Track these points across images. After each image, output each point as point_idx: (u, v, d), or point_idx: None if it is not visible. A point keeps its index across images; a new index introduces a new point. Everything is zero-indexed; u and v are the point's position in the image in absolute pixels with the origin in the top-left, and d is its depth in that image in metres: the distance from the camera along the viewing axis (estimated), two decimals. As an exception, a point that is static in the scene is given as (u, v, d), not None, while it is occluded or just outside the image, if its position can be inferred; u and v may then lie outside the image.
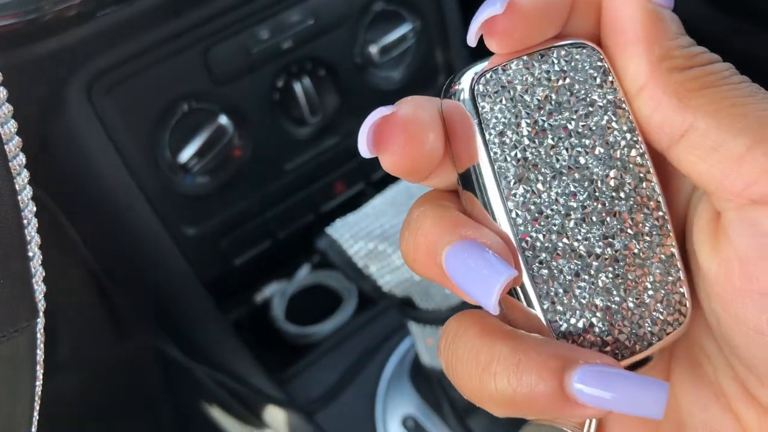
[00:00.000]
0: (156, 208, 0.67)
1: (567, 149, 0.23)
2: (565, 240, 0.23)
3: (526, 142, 0.23)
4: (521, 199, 0.23)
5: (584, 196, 0.23)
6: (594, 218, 0.23)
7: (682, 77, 0.22)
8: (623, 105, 0.23)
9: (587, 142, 0.23)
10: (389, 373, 0.70)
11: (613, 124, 0.23)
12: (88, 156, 0.64)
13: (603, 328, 0.23)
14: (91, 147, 0.63)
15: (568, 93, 0.23)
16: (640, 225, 0.23)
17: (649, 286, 0.23)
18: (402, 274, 0.53)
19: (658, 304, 0.23)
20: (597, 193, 0.23)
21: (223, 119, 0.69)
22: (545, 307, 0.23)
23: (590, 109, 0.23)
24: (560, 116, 0.23)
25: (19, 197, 0.28)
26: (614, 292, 0.23)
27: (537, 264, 0.23)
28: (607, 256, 0.23)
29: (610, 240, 0.23)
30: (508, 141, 0.23)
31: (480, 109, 0.23)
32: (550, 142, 0.23)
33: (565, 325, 0.23)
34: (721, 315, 0.22)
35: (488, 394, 0.21)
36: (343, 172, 0.78)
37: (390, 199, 0.57)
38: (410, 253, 0.23)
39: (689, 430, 0.25)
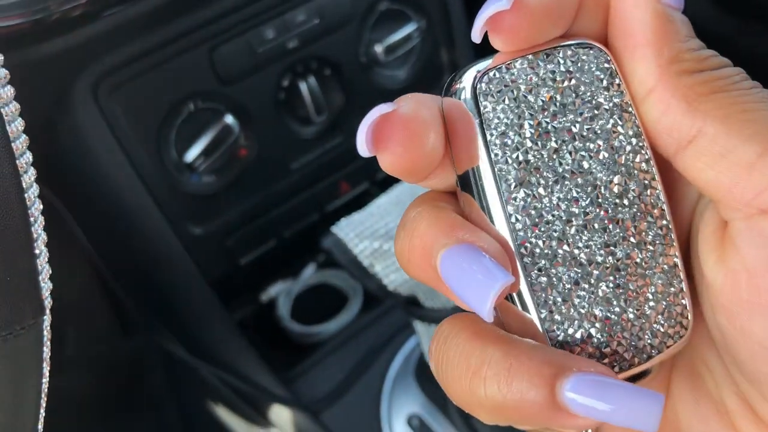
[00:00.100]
0: (162, 207, 0.67)
1: (570, 153, 0.22)
2: (565, 247, 0.22)
3: (529, 144, 0.22)
4: (521, 203, 0.22)
5: (587, 202, 0.22)
6: (596, 225, 0.22)
7: (691, 81, 0.21)
8: (630, 109, 0.22)
9: (591, 146, 0.22)
10: (394, 372, 0.70)
11: (619, 128, 0.22)
12: (94, 155, 0.64)
13: (601, 339, 0.22)
14: (97, 146, 0.63)
15: (574, 95, 0.22)
16: (643, 233, 0.22)
17: (651, 297, 0.22)
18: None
19: (659, 316, 0.22)
20: (600, 200, 0.22)
21: (229, 119, 0.69)
22: (543, 315, 0.22)
23: (596, 111, 0.22)
24: (564, 118, 0.22)
25: (25, 195, 0.28)
26: (614, 303, 0.22)
27: (536, 271, 0.22)
28: (608, 265, 0.22)
29: (611, 248, 0.22)
30: (509, 142, 0.22)
31: (482, 108, 0.22)
32: (554, 145, 0.22)
33: (562, 334, 0.22)
34: (726, 328, 0.21)
35: (477, 400, 0.21)
36: (348, 172, 0.78)
37: (395, 198, 0.57)
38: (405, 254, 0.23)
39: None
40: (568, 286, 0.22)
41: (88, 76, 0.61)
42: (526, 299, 0.22)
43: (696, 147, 0.21)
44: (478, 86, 0.22)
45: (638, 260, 0.22)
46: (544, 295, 0.22)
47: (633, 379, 0.23)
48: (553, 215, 0.22)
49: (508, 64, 0.22)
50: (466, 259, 0.21)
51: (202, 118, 0.68)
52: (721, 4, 0.81)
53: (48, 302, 0.30)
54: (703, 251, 0.22)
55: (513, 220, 0.22)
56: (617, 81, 0.23)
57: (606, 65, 0.23)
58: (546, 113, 0.22)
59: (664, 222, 0.23)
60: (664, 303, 0.23)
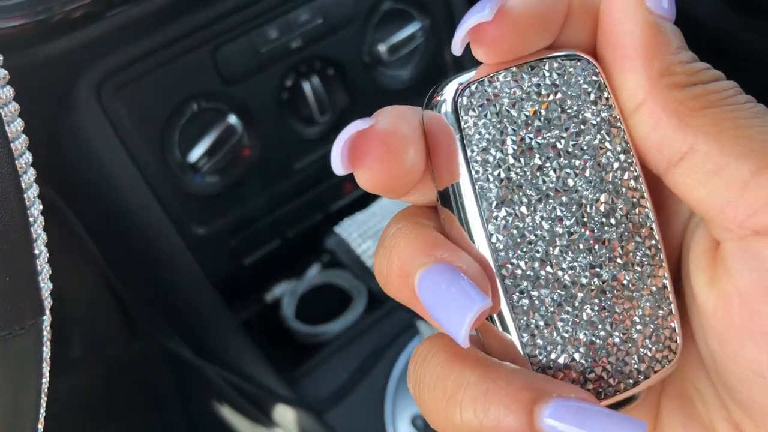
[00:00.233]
0: (165, 207, 0.68)
1: (555, 170, 0.21)
2: (548, 268, 0.21)
3: (511, 161, 0.21)
4: (503, 222, 0.21)
5: (571, 222, 0.21)
6: (581, 246, 0.21)
7: (683, 95, 0.20)
8: (618, 123, 0.22)
9: (577, 162, 0.21)
10: (399, 372, 0.70)
11: (606, 143, 0.21)
12: (97, 156, 0.64)
13: (586, 364, 0.21)
14: (101, 147, 0.64)
15: (559, 109, 0.21)
16: (631, 254, 0.21)
17: (638, 320, 0.22)
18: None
19: (647, 340, 0.22)
20: (585, 219, 0.21)
21: (233, 119, 0.69)
22: (524, 339, 0.21)
23: (582, 127, 0.21)
24: (549, 134, 0.21)
25: (25, 195, 0.28)
26: (599, 326, 0.21)
27: (517, 293, 0.21)
28: (593, 287, 0.21)
29: (597, 270, 0.21)
30: (491, 159, 0.21)
31: (463, 123, 0.21)
32: (537, 161, 0.21)
33: (544, 359, 0.21)
34: (717, 353, 0.21)
35: (453, 425, 0.20)
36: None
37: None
38: (383, 272, 0.22)
39: None
40: (551, 309, 0.21)
41: (92, 77, 0.61)
42: (508, 322, 0.21)
43: (687, 164, 0.20)
44: (460, 100, 0.21)
45: (625, 282, 0.21)
46: (525, 318, 0.21)
47: (619, 405, 0.22)
48: (535, 235, 0.21)
49: (491, 76, 0.21)
50: (444, 280, 0.20)
51: (206, 118, 0.68)
52: (726, 1, 0.80)
53: (48, 302, 0.30)
54: (694, 272, 0.21)
55: (494, 240, 0.21)
56: (605, 95, 0.22)
57: (594, 78, 0.22)
58: (530, 128, 0.21)
59: (653, 242, 0.22)
60: (652, 326, 0.22)
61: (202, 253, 0.72)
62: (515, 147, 0.21)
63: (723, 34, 0.82)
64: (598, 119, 0.21)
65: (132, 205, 0.67)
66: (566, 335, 0.21)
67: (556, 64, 0.21)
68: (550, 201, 0.21)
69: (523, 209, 0.21)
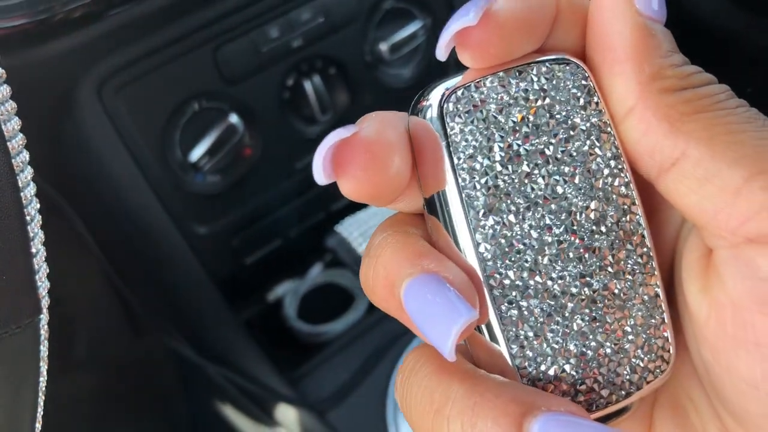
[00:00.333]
0: (167, 207, 0.68)
1: (543, 177, 0.21)
2: (537, 278, 0.20)
3: (499, 168, 0.20)
4: (491, 231, 0.20)
5: (561, 230, 0.21)
6: (571, 254, 0.21)
7: (674, 99, 0.20)
8: (608, 129, 0.21)
9: (566, 169, 0.21)
10: (401, 372, 0.70)
11: (596, 149, 0.21)
12: (99, 156, 0.64)
13: (576, 376, 0.21)
14: (102, 147, 0.64)
15: (548, 114, 0.21)
16: (622, 262, 0.21)
17: (630, 330, 0.21)
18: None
19: (639, 350, 0.21)
20: (575, 227, 0.21)
21: (234, 118, 0.69)
22: (513, 351, 0.20)
23: (571, 132, 0.21)
24: (537, 140, 0.21)
25: (21, 194, 0.28)
26: (590, 337, 0.21)
27: (506, 304, 0.20)
28: (583, 297, 0.21)
29: (587, 279, 0.21)
30: (478, 167, 0.20)
31: (449, 129, 0.21)
32: (525, 168, 0.21)
33: (534, 371, 0.20)
34: (711, 363, 0.20)
35: None
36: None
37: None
38: (369, 282, 0.21)
39: None
40: (541, 319, 0.21)
41: (93, 77, 0.61)
42: (496, 333, 0.20)
43: (679, 170, 0.20)
44: (445, 106, 0.21)
45: (616, 291, 0.21)
46: (514, 329, 0.20)
47: (611, 416, 0.21)
48: (524, 244, 0.21)
49: (478, 82, 0.21)
50: (430, 291, 0.19)
51: (207, 117, 0.68)
52: (732, -1, 0.80)
53: (46, 301, 0.30)
54: (687, 280, 0.21)
55: (482, 249, 0.20)
56: (595, 99, 0.21)
57: (583, 82, 0.21)
58: (517, 135, 0.21)
59: (645, 249, 0.21)
60: (644, 336, 0.21)
61: (204, 253, 0.72)
62: (503, 154, 0.21)
63: (729, 32, 0.82)
64: (588, 125, 0.21)
65: (133, 205, 0.67)
66: (556, 346, 0.21)
67: (544, 69, 0.21)
68: (539, 209, 0.21)
69: (511, 217, 0.21)
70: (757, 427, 0.20)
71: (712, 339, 0.20)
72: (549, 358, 0.21)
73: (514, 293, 0.20)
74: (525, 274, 0.20)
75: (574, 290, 0.21)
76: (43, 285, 0.29)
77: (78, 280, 0.75)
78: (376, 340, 0.73)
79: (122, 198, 0.66)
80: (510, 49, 0.20)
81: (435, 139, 0.21)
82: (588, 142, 0.21)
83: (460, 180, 0.20)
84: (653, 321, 0.21)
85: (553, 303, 0.21)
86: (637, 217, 0.21)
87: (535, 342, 0.21)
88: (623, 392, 0.21)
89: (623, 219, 0.21)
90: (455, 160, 0.20)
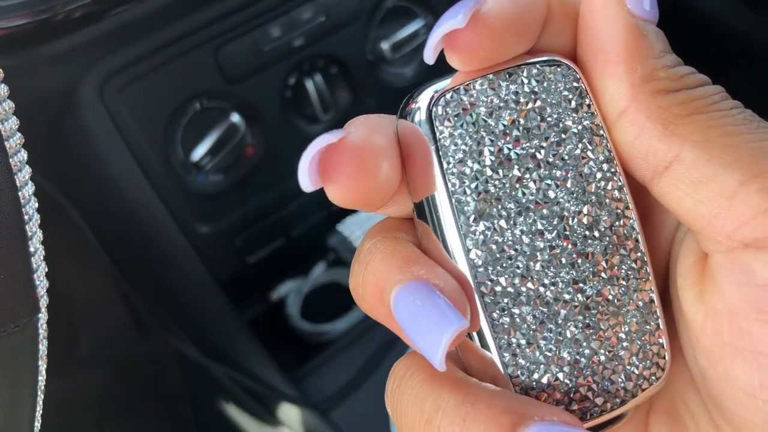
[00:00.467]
0: (169, 206, 0.68)
1: (535, 181, 0.20)
2: (529, 284, 0.20)
3: (489, 172, 0.20)
4: (481, 237, 0.20)
5: (553, 235, 0.20)
6: (563, 260, 0.20)
7: (667, 101, 0.19)
8: (601, 132, 0.21)
9: (558, 173, 0.20)
10: (403, 371, 0.70)
11: (589, 153, 0.21)
12: (101, 156, 0.64)
13: (570, 384, 0.20)
14: (104, 147, 0.64)
15: (539, 117, 0.20)
16: (616, 268, 0.21)
17: (624, 336, 0.21)
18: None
19: (633, 357, 0.21)
20: (567, 232, 0.20)
21: (235, 117, 0.69)
22: (505, 359, 0.20)
23: (563, 136, 0.21)
24: (528, 144, 0.20)
25: (20, 193, 0.28)
26: (584, 344, 0.20)
27: (497, 311, 0.20)
28: (576, 304, 0.20)
29: (580, 285, 0.20)
30: (468, 171, 0.20)
31: (438, 134, 0.20)
32: (516, 173, 0.20)
33: (527, 379, 0.20)
34: (707, 370, 0.20)
35: None
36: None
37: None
38: (358, 289, 0.21)
39: None
40: (533, 327, 0.20)
41: (94, 76, 0.61)
42: (488, 341, 0.20)
43: (673, 173, 0.19)
44: (434, 109, 0.20)
45: (610, 297, 0.21)
46: (506, 337, 0.20)
47: (605, 425, 0.21)
48: (515, 250, 0.20)
49: (467, 84, 0.20)
50: (419, 298, 0.19)
51: (208, 117, 0.68)
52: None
53: (44, 300, 0.30)
54: (682, 286, 0.21)
55: (472, 255, 0.20)
56: (587, 102, 0.21)
57: (575, 84, 0.21)
58: (508, 138, 0.20)
59: (639, 254, 0.21)
60: (639, 343, 0.21)
61: (207, 252, 0.72)
62: (493, 158, 0.20)
63: (734, 31, 0.82)
64: (580, 127, 0.21)
65: (136, 205, 0.67)
66: (549, 354, 0.20)
67: (534, 71, 0.21)
68: (531, 214, 0.20)
69: (503, 223, 0.20)
70: None
71: (708, 346, 0.20)
72: (542, 366, 0.20)
73: (505, 300, 0.20)
74: (517, 281, 0.20)
75: (567, 297, 0.20)
76: (41, 284, 0.29)
77: (82, 280, 0.75)
78: (379, 339, 0.73)
79: (124, 198, 0.66)
80: (500, 51, 0.20)
81: (424, 143, 0.20)
82: (580, 145, 0.21)
83: (449, 185, 0.20)
84: (648, 327, 0.21)
85: (545, 310, 0.20)
86: (631, 221, 0.21)
87: (527, 350, 0.20)
88: (618, 400, 0.21)
89: (617, 223, 0.21)
90: (445, 165, 0.20)
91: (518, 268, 0.20)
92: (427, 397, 0.19)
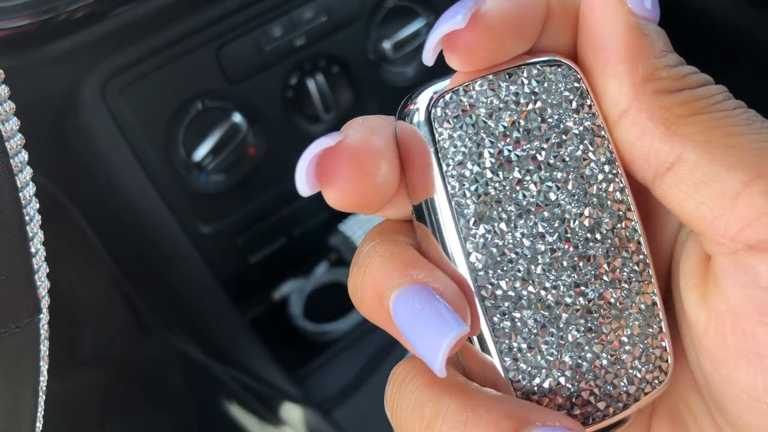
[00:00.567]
0: (171, 206, 0.68)
1: (536, 183, 0.20)
2: (530, 288, 0.20)
3: (489, 175, 0.20)
4: (481, 240, 0.20)
5: (554, 238, 0.20)
6: (565, 263, 0.20)
7: (669, 101, 0.19)
8: (602, 132, 0.20)
9: (559, 175, 0.20)
10: (405, 370, 0.70)
11: (590, 154, 0.20)
12: (103, 156, 0.64)
13: (572, 389, 0.20)
14: (106, 147, 0.64)
15: (539, 118, 0.20)
16: (618, 271, 0.20)
17: (626, 340, 0.20)
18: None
19: (636, 361, 0.21)
20: (569, 234, 0.20)
21: (237, 117, 0.69)
22: (506, 363, 0.20)
23: (564, 137, 0.20)
24: (529, 145, 0.20)
25: (20, 194, 0.28)
26: (586, 348, 0.20)
27: (498, 315, 0.20)
28: (578, 307, 0.20)
29: (582, 288, 0.20)
30: (468, 173, 0.20)
31: (437, 135, 0.20)
32: (517, 175, 0.20)
33: (528, 384, 0.20)
34: (710, 373, 0.20)
35: None
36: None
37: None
38: (357, 293, 0.20)
39: None
40: (535, 331, 0.20)
41: (96, 76, 0.61)
42: (489, 346, 0.20)
43: (675, 174, 0.19)
44: (433, 111, 0.20)
45: (612, 300, 0.20)
46: (507, 341, 0.20)
47: (608, 429, 0.21)
48: (516, 253, 0.20)
49: (467, 85, 0.20)
50: (419, 302, 0.19)
51: (210, 117, 0.68)
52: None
53: (46, 301, 0.30)
54: (685, 288, 0.20)
55: (473, 259, 0.20)
56: (588, 102, 0.20)
57: (576, 85, 0.20)
58: (508, 140, 0.20)
59: (641, 256, 0.21)
60: (641, 346, 0.21)
61: (209, 252, 0.72)
62: (493, 160, 0.20)
63: (736, 29, 0.81)
64: (581, 128, 0.20)
65: (138, 205, 0.67)
66: (551, 358, 0.20)
67: (535, 71, 0.20)
68: (531, 216, 0.20)
69: (503, 226, 0.20)
70: None
71: (711, 348, 0.19)
72: (543, 370, 0.20)
73: (506, 304, 0.20)
74: (518, 284, 0.20)
75: (568, 300, 0.20)
76: (42, 284, 0.29)
77: (83, 280, 0.75)
78: (382, 338, 0.73)
79: (126, 198, 0.67)
80: (500, 51, 0.20)
81: (423, 145, 0.20)
82: (581, 146, 0.20)
83: (449, 187, 0.20)
84: (650, 330, 0.21)
85: (547, 314, 0.20)
86: (633, 223, 0.21)
87: (528, 354, 0.20)
88: (620, 404, 0.21)
89: (618, 225, 0.21)
90: (444, 167, 0.20)
91: (519, 271, 0.20)
92: (427, 403, 0.19)
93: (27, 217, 0.29)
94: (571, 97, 0.20)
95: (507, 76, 0.20)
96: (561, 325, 0.20)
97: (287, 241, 0.77)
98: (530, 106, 0.20)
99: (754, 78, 0.80)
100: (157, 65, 0.63)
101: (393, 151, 0.20)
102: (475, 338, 0.20)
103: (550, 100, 0.20)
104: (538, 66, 0.20)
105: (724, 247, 0.19)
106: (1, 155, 0.28)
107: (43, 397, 0.30)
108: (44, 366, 0.30)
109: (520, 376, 0.20)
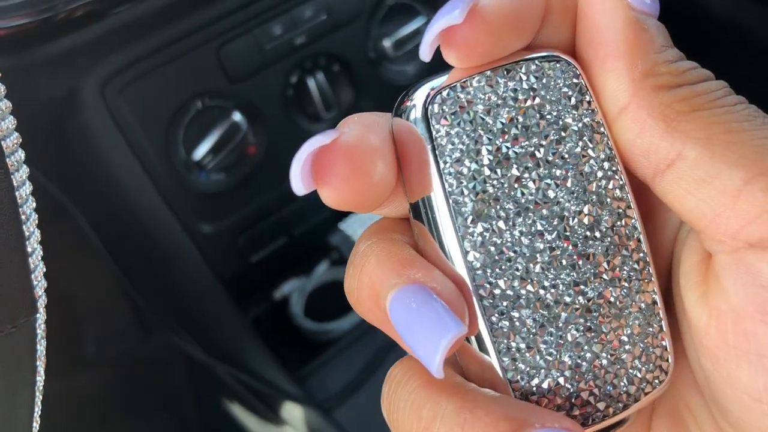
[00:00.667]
0: (171, 206, 0.68)
1: (534, 181, 0.20)
2: (529, 287, 0.20)
3: (487, 172, 0.20)
4: (479, 238, 0.19)
5: (553, 236, 0.20)
6: (564, 262, 0.20)
7: (669, 97, 0.19)
8: (601, 129, 0.20)
9: (558, 172, 0.20)
10: (407, 370, 0.70)
11: (589, 151, 0.20)
12: (103, 155, 0.64)
13: (571, 389, 0.20)
14: (106, 146, 0.64)
15: (538, 115, 0.20)
16: (618, 269, 0.20)
17: (626, 339, 0.20)
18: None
19: (636, 361, 0.20)
20: (568, 233, 0.20)
21: (237, 116, 0.69)
22: (505, 364, 0.19)
23: (563, 133, 0.20)
24: (527, 142, 0.20)
25: (17, 193, 0.28)
26: (585, 348, 0.20)
27: (496, 314, 0.19)
28: (577, 306, 0.20)
29: (581, 287, 0.20)
30: (465, 171, 0.20)
31: (434, 132, 0.20)
32: (515, 172, 0.20)
33: (527, 384, 0.20)
34: (711, 373, 0.19)
35: None
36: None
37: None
38: (353, 293, 0.20)
39: None
40: (533, 330, 0.20)
41: (96, 76, 0.61)
42: (487, 346, 0.20)
43: (675, 171, 0.19)
44: (430, 107, 0.20)
45: (612, 299, 0.20)
46: (506, 341, 0.19)
47: (608, 430, 0.20)
48: (515, 251, 0.20)
49: (464, 81, 0.20)
50: (416, 301, 0.18)
51: (210, 116, 0.68)
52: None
53: (42, 301, 0.29)
54: (685, 286, 0.20)
55: (470, 258, 0.19)
56: (587, 98, 0.20)
57: (575, 80, 0.20)
58: (506, 137, 0.20)
59: (641, 255, 0.20)
60: (642, 346, 0.20)
61: (210, 252, 0.72)
62: (491, 157, 0.20)
63: (736, 24, 0.81)
64: (580, 125, 0.20)
65: (138, 204, 0.67)
66: (550, 358, 0.20)
67: (533, 67, 0.20)
68: (530, 214, 0.20)
69: (501, 224, 0.20)
70: None
71: (712, 348, 0.19)
72: (542, 370, 0.20)
73: (505, 303, 0.20)
74: (516, 283, 0.20)
75: (567, 299, 0.20)
76: (39, 284, 0.29)
77: (84, 279, 0.75)
78: (383, 337, 0.73)
79: (127, 197, 0.66)
80: (498, 47, 0.19)
81: (420, 142, 0.20)
82: (580, 143, 0.20)
83: (446, 185, 0.20)
84: (651, 329, 0.20)
85: (545, 313, 0.20)
86: (633, 221, 0.20)
87: (527, 354, 0.20)
88: (620, 405, 0.20)
89: (618, 223, 0.20)
90: (441, 165, 0.20)
91: (517, 270, 0.20)
92: (425, 404, 0.19)
93: (23, 216, 0.28)
94: (570, 93, 0.20)
95: (505, 72, 0.20)
96: (560, 325, 0.20)
97: (288, 241, 0.77)
98: (529, 103, 0.20)
99: (755, 75, 0.80)
100: (157, 64, 0.63)
101: (389, 148, 0.20)
102: (473, 338, 0.20)
103: (548, 97, 0.20)
104: (536, 62, 0.20)
105: (725, 245, 0.18)
106: (-3, 154, 0.27)
107: (40, 397, 0.30)
108: (41, 366, 0.30)
109: (518, 377, 0.20)
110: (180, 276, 0.72)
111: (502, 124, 0.20)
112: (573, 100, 0.20)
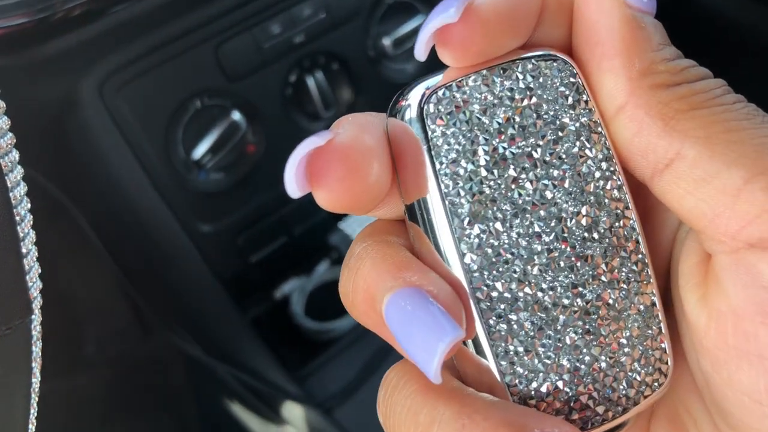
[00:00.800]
0: (171, 205, 0.68)
1: (531, 182, 0.19)
2: (527, 289, 0.19)
3: (484, 173, 0.19)
4: (476, 240, 0.19)
5: (551, 238, 0.19)
6: (562, 263, 0.20)
7: (667, 96, 0.19)
8: (599, 129, 0.20)
9: (555, 173, 0.20)
10: (407, 369, 0.70)
11: (587, 151, 0.20)
12: (102, 155, 0.64)
13: (570, 393, 0.19)
14: (105, 146, 0.64)
15: (535, 115, 0.20)
16: (616, 271, 0.20)
17: (625, 342, 0.20)
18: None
19: (635, 363, 0.20)
20: (566, 234, 0.20)
21: (236, 115, 0.69)
22: (503, 367, 0.19)
23: (560, 133, 0.20)
24: (524, 142, 0.19)
25: (11, 194, 0.28)
26: (584, 351, 0.20)
27: (494, 317, 0.19)
28: (576, 309, 0.20)
29: (580, 289, 0.20)
30: (461, 172, 0.19)
31: (430, 133, 0.19)
32: (512, 173, 0.19)
33: (525, 388, 0.19)
34: (711, 374, 0.19)
35: None
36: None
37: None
38: (348, 296, 0.20)
39: None
40: (531, 333, 0.19)
41: (94, 75, 0.61)
42: (484, 349, 0.19)
43: (674, 171, 0.18)
44: (426, 107, 0.19)
45: (611, 301, 0.20)
46: (504, 344, 0.19)
47: None
48: (512, 253, 0.19)
49: (460, 81, 0.20)
50: (412, 305, 0.18)
51: (209, 115, 0.68)
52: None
53: (38, 302, 0.29)
54: (684, 287, 0.20)
55: (467, 260, 0.19)
56: (585, 98, 0.20)
57: (571, 80, 0.20)
58: (503, 137, 0.19)
59: (640, 256, 0.20)
60: (641, 348, 0.20)
61: (209, 252, 0.72)
62: (487, 158, 0.19)
63: (735, 23, 0.81)
64: (577, 125, 0.20)
65: (137, 204, 0.67)
66: (548, 362, 0.19)
67: (530, 66, 0.20)
68: (527, 216, 0.19)
69: (498, 225, 0.19)
70: None
71: (712, 349, 0.19)
72: (541, 374, 0.19)
73: (502, 306, 0.19)
74: (514, 286, 0.19)
75: (566, 301, 0.20)
76: (35, 285, 0.29)
77: (84, 279, 0.75)
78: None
79: (126, 197, 0.66)
80: (494, 46, 0.19)
81: (415, 142, 0.19)
82: (578, 143, 0.20)
83: (442, 186, 0.19)
84: (650, 332, 0.20)
85: (544, 316, 0.19)
86: (631, 221, 0.20)
87: (525, 357, 0.19)
88: (620, 408, 0.20)
89: (616, 224, 0.20)
90: (437, 165, 0.19)
91: (515, 272, 0.19)
92: (422, 409, 0.18)
93: (18, 218, 0.28)
94: (567, 92, 0.20)
95: (501, 71, 0.20)
96: (558, 328, 0.19)
97: (288, 240, 0.76)
98: (525, 102, 0.20)
99: (756, 74, 0.80)
100: (156, 63, 0.63)
101: (384, 149, 0.20)
102: (470, 341, 0.19)
103: (545, 96, 0.20)
104: (533, 61, 0.20)
105: (725, 246, 0.18)
106: (-9, 155, 0.27)
107: (36, 398, 0.30)
108: (37, 367, 0.30)
109: (516, 380, 0.19)
110: (180, 276, 0.72)
111: (499, 124, 0.20)
112: (570, 100, 0.20)
